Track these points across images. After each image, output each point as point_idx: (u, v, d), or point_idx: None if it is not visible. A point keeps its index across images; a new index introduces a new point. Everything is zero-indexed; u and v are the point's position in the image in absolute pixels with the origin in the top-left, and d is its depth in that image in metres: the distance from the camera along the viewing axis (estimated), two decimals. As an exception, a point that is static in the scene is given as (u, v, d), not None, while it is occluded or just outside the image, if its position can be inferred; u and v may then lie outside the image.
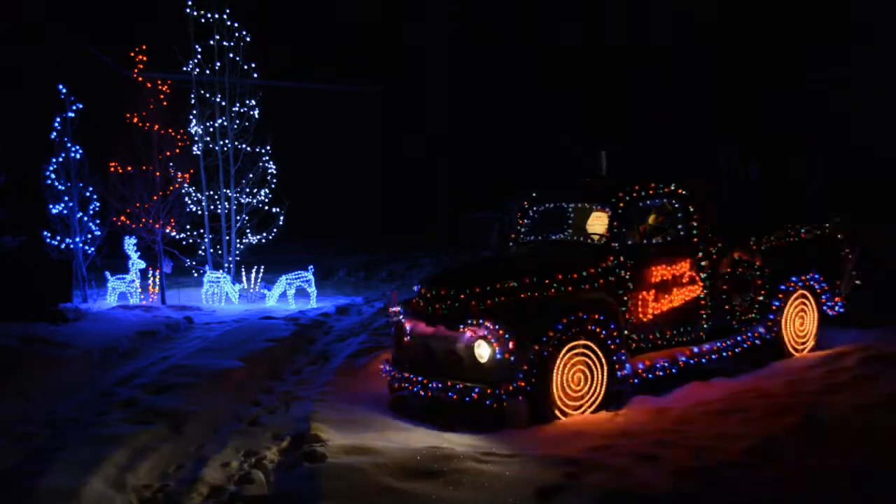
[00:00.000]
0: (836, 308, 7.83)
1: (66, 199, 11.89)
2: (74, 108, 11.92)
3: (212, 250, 12.93)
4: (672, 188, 7.09)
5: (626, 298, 6.55)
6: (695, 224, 7.09)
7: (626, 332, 6.43)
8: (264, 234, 13.32)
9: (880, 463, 4.74)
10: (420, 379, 6.17)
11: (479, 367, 5.86)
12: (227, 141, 12.92)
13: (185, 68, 12.80)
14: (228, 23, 12.82)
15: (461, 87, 25.20)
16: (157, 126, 12.01)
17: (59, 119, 11.87)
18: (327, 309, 11.41)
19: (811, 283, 7.62)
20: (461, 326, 6.00)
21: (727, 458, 4.85)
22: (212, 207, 12.99)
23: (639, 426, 5.69)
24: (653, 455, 4.98)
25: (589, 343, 6.03)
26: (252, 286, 12.64)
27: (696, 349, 6.84)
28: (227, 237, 13.05)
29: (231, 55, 12.88)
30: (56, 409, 6.33)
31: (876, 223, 9.02)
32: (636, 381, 6.37)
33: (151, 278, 12.15)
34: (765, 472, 4.65)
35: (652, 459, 4.91)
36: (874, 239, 8.35)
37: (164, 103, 12.20)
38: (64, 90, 11.87)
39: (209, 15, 12.71)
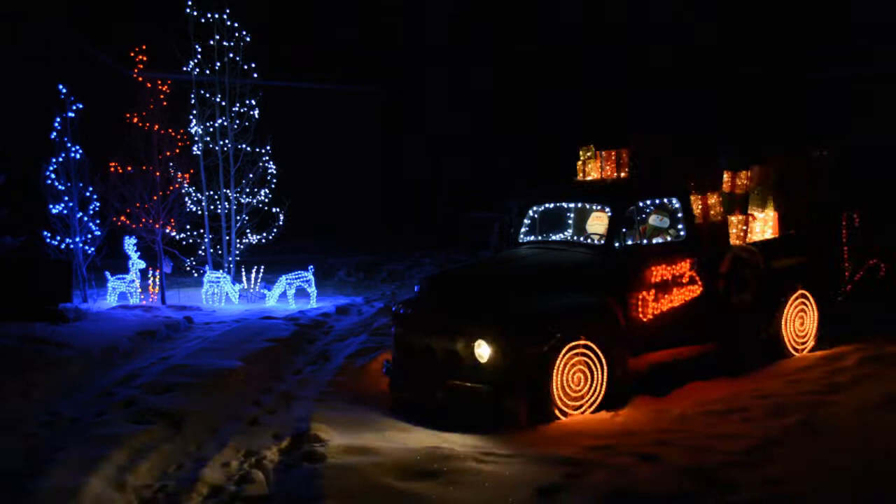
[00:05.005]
0: (838, 308, 7.83)
1: (66, 199, 11.89)
2: (74, 108, 11.91)
3: (212, 250, 12.93)
4: (672, 188, 7.09)
5: (626, 298, 6.55)
6: (695, 224, 7.09)
7: (625, 332, 6.43)
8: (264, 234, 13.32)
9: (880, 463, 4.74)
10: (420, 379, 6.17)
11: (480, 367, 5.86)
12: (227, 141, 12.92)
13: (185, 68, 12.80)
14: (228, 23, 12.82)
15: (461, 86, 25.20)
16: (157, 126, 12.01)
17: (59, 119, 11.86)
18: (327, 309, 11.41)
19: (811, 282, 7.63)
20: (461, 326, 6.00)
21: (727, 459, 4.86)
22: (212, 207, 12.99)
23: (639, 426, 5.69)
24: (653, 455, 4.98)
25: (589, 343, 6.03)
26: (252, 286, 12.64)
27: (695, 349, 6.85)
28: (227, 237, 13.05)
29: (231, 55, 12.88)
30: (56, 409, 6.33)
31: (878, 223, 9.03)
32: (636, 381, 6.37)
33: (151, 278, 12.14)
34: (765, 471, 4.65)
35: (652, 459, 4.92)
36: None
37: (164, 103, 12.20)
38: (64, 90, 11.87)
39: (209, 15, 12.71)
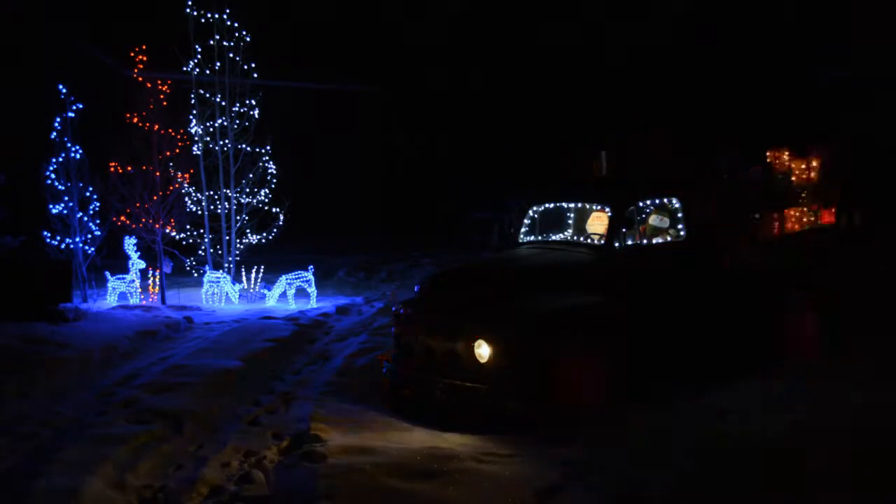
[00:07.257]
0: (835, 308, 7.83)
1: (66, 199, 11.89)
2: (74, 108, 11.92)
3: (212, 250, 12.93)
4: (672, 188, 7.09)
5: (626, 298, 6.54)
6: (695, 224, 7.09)
7: (625, 332, 6.42)
8: (264, 234, 13.32)
9: (881, 462, 4.74)
10: (420, 379, 6.17)
11: (480, 367, 5.86)
12: (227, 141, 12.93)
13: (185, 68, 12.80)
14: (228, 23, 12.83)
15: (461, 86, 25.21)
16: (157, 126, 12.02)
17: (59, 119, 11.87)
18: (327, 309, 11.41)
19: (811, 282, 7.63)
20: (461, 326, 6.00)
21: (726, 458, 4.86)
22: (212, 207, 12.99)
23: (638, 426, 5.68)
24: (653, 455, 4.98)
25: (589, 343, 6.02)
26: (252, 286, 12.64)
27: (695, 349, 6.84)
28: (227, 237, 13.05)
29: (231, 55, 12.89)
30: (56, 409, 6.33)
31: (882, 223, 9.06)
32: (636, 380, 6.36)
33: (151, 278, 12.15)
34: (765, 471, 4.65)
35: (652, 459, 4.92)
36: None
37: (164, 103, 12.21)
38: (64, 90, 11.87)
39: (209, 15, 12.72)
